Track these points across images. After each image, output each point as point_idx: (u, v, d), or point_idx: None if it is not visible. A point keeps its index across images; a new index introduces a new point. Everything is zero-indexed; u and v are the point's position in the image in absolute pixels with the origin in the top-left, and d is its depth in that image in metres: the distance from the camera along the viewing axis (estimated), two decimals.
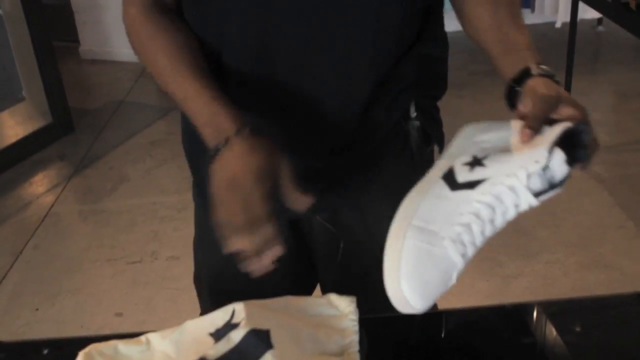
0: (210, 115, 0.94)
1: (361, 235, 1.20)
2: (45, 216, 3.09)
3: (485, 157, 0.86)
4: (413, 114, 1.15)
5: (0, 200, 3.27)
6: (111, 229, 2.95)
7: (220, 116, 0.93)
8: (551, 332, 1.03)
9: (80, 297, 2.58)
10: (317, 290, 1.32)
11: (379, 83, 1.06)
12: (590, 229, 2.75)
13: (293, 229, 1.21)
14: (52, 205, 3.17)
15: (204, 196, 1.20)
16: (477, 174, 0.84)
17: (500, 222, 0.86)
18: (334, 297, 0.99)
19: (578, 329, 1.02)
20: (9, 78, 3.65)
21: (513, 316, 1.08)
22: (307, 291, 1.32)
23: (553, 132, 0.83)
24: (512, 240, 2.70)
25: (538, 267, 2.54)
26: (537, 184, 0.82)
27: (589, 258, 2.58)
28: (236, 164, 0.87)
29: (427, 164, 1.20)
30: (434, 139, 1.21)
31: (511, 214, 0.85)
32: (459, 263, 0.83)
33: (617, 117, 3.83)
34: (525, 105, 0.90)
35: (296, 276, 1.27)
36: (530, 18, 4.74)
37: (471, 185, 0.84)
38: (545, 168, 0.81)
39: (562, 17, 4.20)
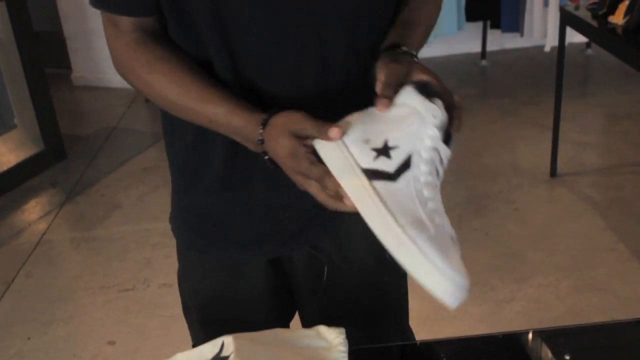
0: (238, 128, 0.98)
1: (341, 263, 1.22)
2: (37, 244, 3.08)
3: (384, 142, 0.87)
4: None
5: None
6: (103, 257, 2.94)
7: (247, 124, 0.97)
8: None
9: (73, 326, 2.57)
10: (298, 319, 1.34)
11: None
12: (582, 252, 2.76)
13: (274, 266, 1.23)
14: (44, 233, 3.16)
15: (188, 223, 1.21)
16: (396, 156, 0.86)
17: (440, 176, 0.90)
18: (323, 329, 0.99)
19: (573, 357, 1.02)
20: (1, 106, 3.66)
21: (507, 345, 1.08)
22: (288, 319, 1.33)
23: (402, 90, 0.91)
24: (504, 264, 2.70)
25: (531, 291, 2.55)
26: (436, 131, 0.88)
27: (582, 281, 2.59)
28: (282, 147, 0.92)
29: None
30: None
31: (441, 171, 0.90)
32: (449, 228, 0.85)
33: (607, 139, 3.86)
34: (378, 77, 0.94)
35: (277, 306, 1.28)
36: (519, 42, 4.78)
37: (403, 166, 0.86)
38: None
39: (551, 41, 4.23)
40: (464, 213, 3.06)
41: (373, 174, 0.85)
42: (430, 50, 4.16)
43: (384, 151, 0.86)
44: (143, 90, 1.06)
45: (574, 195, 3.17)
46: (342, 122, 0.90)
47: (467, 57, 4.86)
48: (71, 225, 3.26)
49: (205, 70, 1.02)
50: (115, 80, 4.64)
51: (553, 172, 3.32)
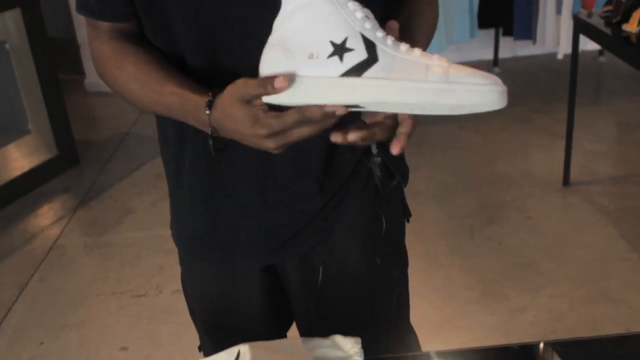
0: (191, 112, 0.99)
1: (333, 269, 1.23)
2: (50, 249, 3.10)
3: (330, 44, 0.85)
4: (374, 151, 1.18)
5: (6, 232, 3.28)
6: (116, 262, 2.95)
7: (197, 107, 0.97)
8: None
9: (85, 331, 2.58)
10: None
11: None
12: (595, 262, 2.74)
13: (268, 272, 1.25)
14: (58, 238, 3.17)
15: (184, 230, 1.24)
16: (352, 44, 0.84)
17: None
18: (339, 338, 0.99)
19: None
20: (15, 111, 3.68)
21: (520, 356, 1.07)
22: (286, 326, 1.36)
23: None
24: (517, 273, 2.69)
25: (543, 301, 2.54)
26: None
27: (595, 291, 2.57)
28: (240, 119, 0.91)
29: (392, 198, 1.25)
30: (397, 173, 1.22)
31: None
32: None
33: (620, 148, 3.84)
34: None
35: (274, 312, 1.31)
36: (531, 49, 4.78)
37: (368, 45, 0.85)
38: None
39: (564, 48, 4.22)
40: (477, 221, 3.06)
41: (353, 71, 0.84)
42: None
43: (339, 50, 0.84)
44: (113, 86, 1.10)
45: (587, 204, 3.16)
46: (268, 70, 0.88)
47: (480, 64, 4.84)
48: (84, 231, 3.28)
49: (181, 68, 1.03)
50: None
51: (566, 181, 3.31)
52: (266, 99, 0.87)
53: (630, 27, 2.79)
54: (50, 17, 3.89)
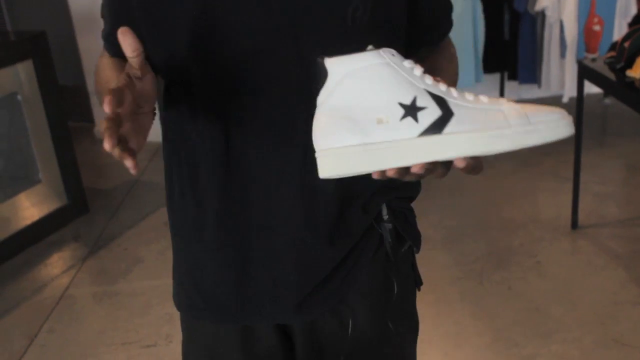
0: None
1: (343, 337, 1.21)
2: (60, 298, 3.10)
3: (399, 106, 0.84)
4: (385, 216, 1.18)
5: (15, 282, 3.29)
6: (126, 312, 2.95)
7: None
8: None
9: None
10: None
11: (350, 185, 1.05)
12: (606, 307, 2.73)
13: (278, 335, 1.23)
14: (67, 288, 3.18)
15: (189, 291, 1.24)
16: (421, 102, 0.85)
17: None
18: None
19: None
20: (26, 161, 3.72)
21: None
22: None
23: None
24: (527, 319, 2.68)
25: (555, 347, 2.52)
26: None
27: (607, 337, 2.56)
28: None
29: (403, 263, 1.24)
30: (408, 239, 1.22)
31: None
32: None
33: (627, 190, 3.85)
34: None
35: None
36: (536, 92, 4.80)
37: (438, 100, 0.85)
38: None
39: (569, 92, 4.25)
40: (485, 266, 3.06)
41: (432, 129, 0.83)
42: None
43: (411, 111, 0.83)
44: (95, 90, 1.20)
45: (596, 247, 3.15)
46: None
47: None
48: (93, 280, 3.28)
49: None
50: None
51: (574, 224, 3.31)
52: (340, 171, 0.85)
53: (633, 73, 2.82)
54: (60, 65, 3.94)
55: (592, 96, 4.60)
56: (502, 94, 4.83)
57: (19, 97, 3.54)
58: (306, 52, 0.92)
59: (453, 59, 1.20)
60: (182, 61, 1.05)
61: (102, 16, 1.18)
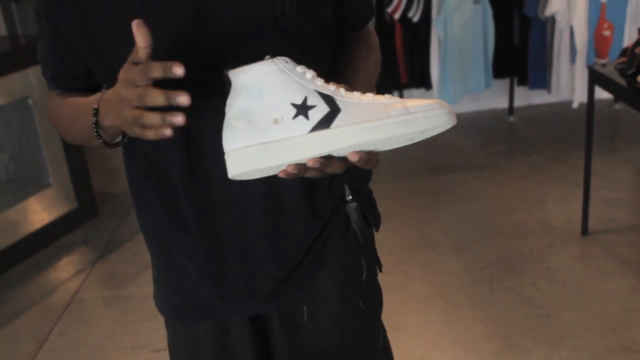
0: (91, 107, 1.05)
1: (317, 321, 1.26)
2: (69, 302, 3.11)
3: (294, 105, 0.92)
4: (349, 197, 1.23)
5: (25, 286, 3.30)
6: (135, 316, 2.96)
7: (95, 98, 1.06)
8: None
9: None
10: None
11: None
12: (617, 313, 2.72)
13: (254, 327, 1.27)
14: (77, 292, 3.19)
15: (167, 291, 1.26)
16: (311, 100, 0.92)
17: None
18: None
19: None
20: (36, 165, 3.73)
21: None
22: None
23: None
24: (537, 325, 2.67)
25: (565, 354, 2.51)
26: None
27: (617, 343, 2.55)
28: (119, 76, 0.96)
29: (369, 242, 1.29)
30: (370, 218, 1.28)
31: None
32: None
33: (638, 195, 3.84)
34: None
35: None
36: (546, 97, 4.80)
37: (326, 99, 0.92)
38: None
39: (579, 97, 4.25)
40: (496, 272, 3.05)
41: (321, 125, 0.90)
42: (457, 107, 4.18)
43: (302, 109, 0.91)
44: (56, 125, 1.21)
45: (606, 253, 3.14)
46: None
47: (495, 113, 4.89)
48: (103, 284, 3.29)
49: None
50: None
51: (584, 230, 3.30)
52: (243, 171, 0.92)
53: None
54: None
55: (602, 102, 4.58)
56: (511, 99, 4.83)
57: (29, 101, 3.56)
58: (252, 56, 0.95)
59: (374, 50, 1.26)
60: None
61: (40, 60, 1.18)
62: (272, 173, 0.94)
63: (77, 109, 1.12)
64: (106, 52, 1.07)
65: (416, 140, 0.93)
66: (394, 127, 0.89)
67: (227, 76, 0.94)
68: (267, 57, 0.93)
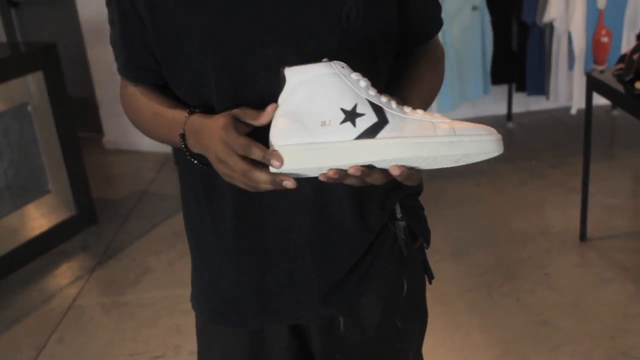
0: (175, 126, 1.08)
1: (356, 334, 1.25)
2: (68, 309, 3.11)
3: (340, 112, 0.93)
4: (399, 215, 1.23)
5: (24, 292, 3.30)
6: (134, 323, 2.96)
7: (179, 118, 1.09)
8: None
9: None
10: None
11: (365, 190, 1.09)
12: (615, 319, 2.72)
13: (292, 335, 1.26)
14: (76, 298, 3.19)
15: (208, 295, 1.25)
16: (361, 109, 0.93)
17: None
18: None
19: None
20: (35, 171, 3.74)
21: None
22: None
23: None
24: (536, 331, 2.68)
25: None
26: None
27: (617, 350, 2.55)
28: (217, 120, 1.00)
29: (414, 260, 1.28)
30: (420, 235, 1.26)
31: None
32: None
33: (636, 202, 3.84)
34: None
35: None
36: (544, 103, 4.81)
37: (376, 109, 0.93)
38: None
39: (577, 103, 4.25)
40: (494, 279, 3.05)
41: (367, 134, 0.91)
42: (456, 113, 4.19)
43: (350, 116, 0.92)
44: (136, 123, 1.21)
45: (605, 260, 3.14)
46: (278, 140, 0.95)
47: (494, 120, 4.90)
48: (102, 290, 3.29)
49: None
50: (145, 144, 4.73)
51: (583, 237, 3.30)
52: (285, 168, 0.93)
53: None
54: (70, 76, 3.97)
55: (601, 107, 4.59)
56: (510, 105, 4.84)
57: (29, 107, 3.57)
58: (307, 58, 0.96)
59: (438, 64, 1.24)
60: (195, 81, 1.09)
61: (112, 45, 1.18)
62: (313, 174, 0.94)
63: (158, 119, 1.14)
64: (170, 44, 1.08)
65: (460, 164, 0.94)
66: (439, 146, 0.89)
67: (284, 73, 0.95)
68: (325, 59, 0.95)
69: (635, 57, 2.89)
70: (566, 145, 4.44)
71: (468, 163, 0.93)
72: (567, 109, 4.46)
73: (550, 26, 4.26)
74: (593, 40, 3.44)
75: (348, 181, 0.93)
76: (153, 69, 1.13)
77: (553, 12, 4.12)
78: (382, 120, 0.91)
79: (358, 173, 0.91)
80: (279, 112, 0.95)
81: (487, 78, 4.40)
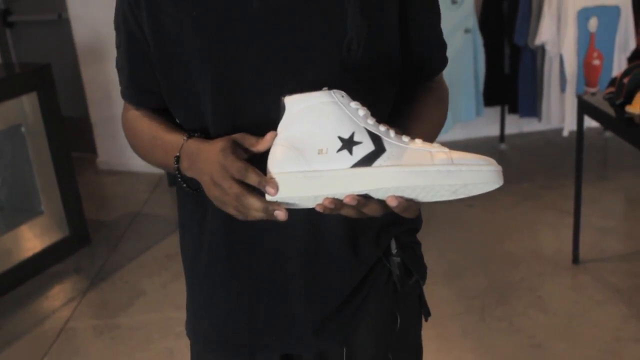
0: (171, 149, 1.10)
1: None
2: (60, 331, 3.09)
3: (338, 140, 0.93)
4: (394, 250, 1.21)
5: (16, 314, 3.28)
6: (126, 346, 2.94)
7: (176, 142, 1.10)
8: None
9: None
10: None
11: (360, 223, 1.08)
12: (608, 343, 2.72)
13: None
14: (68, 320, 3.18)
15: (204, 320, 1.25)
16: (358, 137, 0.93)
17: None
18: None
19: None
20: (28, 192, 3.73)
21: None
22: None
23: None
24: (529, 354, 2.68)
25: None
26: None
27: None
28: (215, 143, 1.01)
29: (409, 295, 1.27)
30: (415, 272, 1.25)
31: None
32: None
33: (629, 223, 3.85)
34: None
35: None
36: (537, 125, 4.83)
37: (373, 137, 0.93)
38: None
39: (569, 125, 4.27)
40: (487, 301, 3.05)
41: (363, 162, 0.91)
42: (449, 135, 4.21)
43: (347, 144, 0.92)
44: (133, 147, 1.22)
45: (598, 282, 3.15)
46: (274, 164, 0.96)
47: (486, 141, 4.92)
48: (94, 313, 3.28)
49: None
50: (138, 165, 4.72)
51: (575, 259, 3.31)
52: (280, 196, 0.93)
53: (633, 108, 2.84)
54: (64, 96, 3.97)
55: (593, 129, 4.62)
56: (502, 127, 4.86)
57: (22, 129, 3.57)
58: (307, 86, 0.97)
59: (441, 102, 1.23)
60: (194, 101, 1.10)
61: (118, 69, 1.21)
62: (309, 205, 0.94)
63: (156, 142, 1.15)
64: (171, 64, 1.10)
65: (460, 196, 0.93)
66: (436, 175, 0.89)
67: (283, 101, 0.95)
68: (325, 88, 0.95)
69: (625, 80, 2.92)
70: (559, 167, 4.46)
71: (468, 195, 0.92)
72: (559, 131, 4.48)
73: (542, 49, 4.29)
74: (584, 62, 3.48)
75: (344, 212, 0.93)
76: (155, 92, 1.16)
77: (544, 35, 4.15)
78: (379, 149, 0.91)
79: (354, 202, 0.90)
80: (277, 140, 0.95)
81: (479, 100, 4.42)
